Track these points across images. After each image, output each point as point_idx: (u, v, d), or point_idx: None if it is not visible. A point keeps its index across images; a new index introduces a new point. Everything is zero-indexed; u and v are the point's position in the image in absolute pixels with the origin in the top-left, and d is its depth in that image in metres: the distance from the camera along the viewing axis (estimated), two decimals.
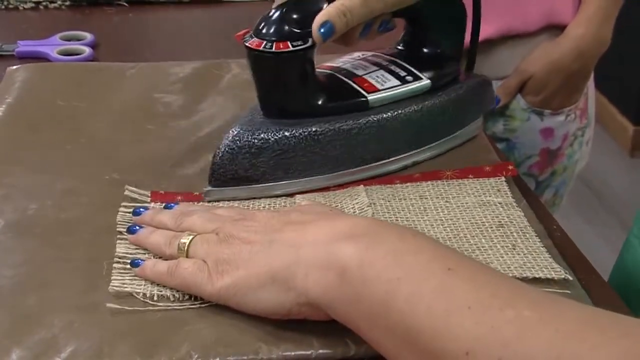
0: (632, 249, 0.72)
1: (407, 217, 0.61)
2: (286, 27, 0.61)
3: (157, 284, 0.53)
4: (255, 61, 0.63)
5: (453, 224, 0.60)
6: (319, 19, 0.60)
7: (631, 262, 0.72)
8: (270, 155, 0.62)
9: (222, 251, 0.51)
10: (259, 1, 1.14)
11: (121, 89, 0.81)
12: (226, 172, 0.62)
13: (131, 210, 0.61)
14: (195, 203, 0.63)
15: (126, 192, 0.63)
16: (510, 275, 0.53)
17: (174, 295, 0.52)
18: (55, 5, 1.10)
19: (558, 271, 0.54)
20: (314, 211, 0.54)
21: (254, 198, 0.63)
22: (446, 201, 0.63)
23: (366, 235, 0.47)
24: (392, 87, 0.67)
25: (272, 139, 0.62)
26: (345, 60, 0.71)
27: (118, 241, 0.58)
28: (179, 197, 0.63)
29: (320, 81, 0.66)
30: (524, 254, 0.56)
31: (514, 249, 0.57)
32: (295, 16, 0.61)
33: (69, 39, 0.98)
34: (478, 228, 0.59)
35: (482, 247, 0.57)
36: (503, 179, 0.65)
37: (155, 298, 0.52)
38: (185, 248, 0.53)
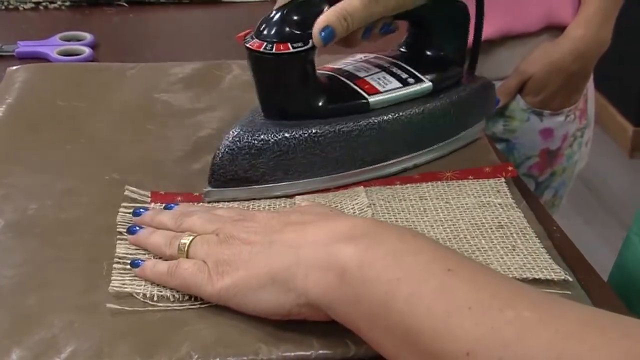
0: (632, 247, 0.72)
1: (406, 218, 0.61)
2: (287, 29, 0.61)
3: (157, 285, 0.53)
4: (256, 62, 0.63)
5: (453, 225, 0.60)
6: (319, 23, 0.60)
7: (631, 260, 0.72)
8: (270, 156, 0.62)
9: (222, 252, 0.51)
10: (258, 2, 1.14)
11: (121, 89, 0.82)
12: (226, 173, 0.62)
13: (131, 210, 0.61)
14: (195, 204, 0.63)
15: (126, 193, 0.63)
16: (510, 276, 0.53)
17: (173, 296, 0.52)
18: (55, 5, 1.10)
19: (558, 272, 0.54)
20: (313, 212, 0.54)
21: (254, 199, 0.63)
22: (446, 202, 0.63)
23: (366, 235, 0.47)
24: (393, 90, 0.67)
25: (272, 140, 0.62)
26: (347, 62, 0.71)
27: (118, 241, 0.58)
28: (179, 198, 0.63)
29: (321, 83, 0.66)
30: (524, 255, 0.56)
31: (514, 250, 0.57)
32: (296, 18, 0.61)
33: (68, 40, 0.98)
34: (478, 229, 0.59)
35: (482, 248, 0.57)
36: (503, 180, 0.65)
37: (155, 298, 0.52)
38: (186, 249, 0.53)
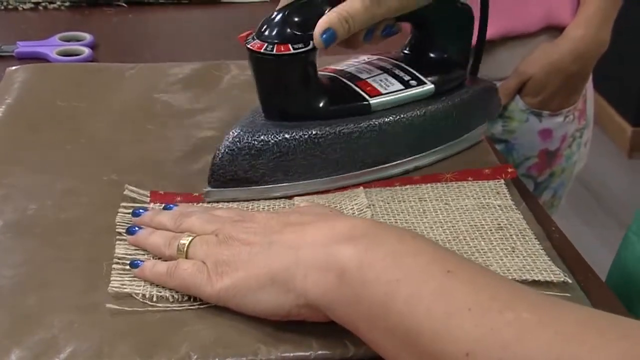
0: (631, 246, 0.72)
1: (406, 219, 0.61)
2: (288, 30, 0.61)
3: (157, 285, 0.53)
4: (257, 63, 0.63)
5: (452, 227, 0.60)
6: (320, 25, 0.60)
7: (630, 260, 0.72)
8: (270, 157, 0.62)
9: (221, 252, 0.51)
10: (258, 2, 1.14)
11: (121, 89, 0.82)
12: (226, 173, 0.62)
13: (130, 211, 0.61)
14: (195, 204, 0.63)
15: (125, 192, 0.63)
16: (510, 277, 0.53)
17: (173, 296, 0.52)
18: (55, 6, 1.10)
19: (557, 274, 0.54)
20: (313, 212, 0.54)
21: (254, 200, 0.63)
22: (445, 203, 0.63)
23: (365, 236, 0.47)
24: (394, 92, 0.66)
25: (272, 141, 0.62)
26: (350, 64, 0.71)
27: (117, 242, 0.58)
28: (179, 198, 0.63)
29: (322, 84, 0.66)
30: (523, 257, 0.56)
31: (513, 251, 0.57)
32: (297, 19, 0.61)
33: (68, 40, 0.98)
34: (477, 230, 0.59)
35: (482, 249, 0.57)
36: (502, 181, 0.65)
37: (154, 299, 0.52)
38: (185, 249, 0.53)
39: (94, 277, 0.54)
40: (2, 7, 1.09)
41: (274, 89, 0.64)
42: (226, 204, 0.63)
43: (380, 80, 0.67)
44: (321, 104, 0.64)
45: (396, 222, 0.60)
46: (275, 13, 0.62)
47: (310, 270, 0.47)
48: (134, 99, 0.80)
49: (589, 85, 1.22)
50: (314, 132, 0.63)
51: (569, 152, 1.21)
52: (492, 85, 0.74)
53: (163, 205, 0.61)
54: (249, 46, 0.62)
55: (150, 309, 0.51)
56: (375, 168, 0.66)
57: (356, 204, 0.62)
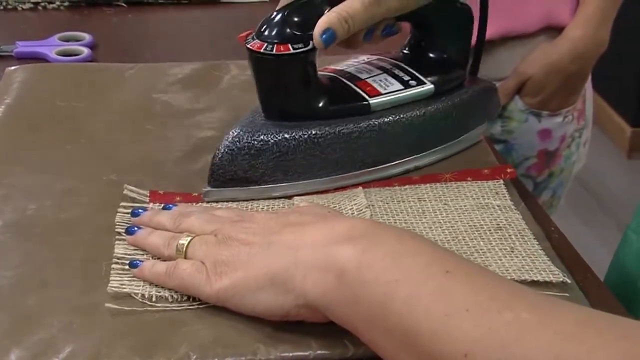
0: (630, 243, 0.72)
1: (405, 220, 0.61)
2: (288, 30, 0.61)
3: (156, 285, 0.53)
4: (257, 63, 0.63)
5: (451, 227, 0.60)
6: (320, 25, 0.59)
7: (628, 257, 0.72)
8: (270, 157, 0.62)
9: (220, 253, 0.51)
10: (257, 2, 1.14)
11: (120, 89, 0.82)
12: (225, 173, 0.62)
13: (130, 210, 0.61)
14: (194, 204, 0.63)
15: (125, 192, 0.63)
16: (509, 278, 0.53)
17: (172, 296, 0.52)
18: (54, 5, 1.10)
19: (556, 274, 0.54)
20: (312, 213, 0.54)
21: (253, 199, 0.63)
22: (445, 204, 0.63)
23: (364, 237, 0.47)
24: (394, 92, 0.66)
25: (272, 141, 0.62)
26: (349, 64, 0.71)
27: (116, 242, 0.58)
28: (178, 198, 0.63)
29: (322, 84, 0.66)
30: (522, 257, 0.56)
31: (512, 251, 0.57)
32: (297, 19, 0.61)
33: (67, 40, 0.98)
34: (476, 231, 0.59)
35: (481, 249, 0.57)
36: (502, 181, 0.65)
37: (153, 299, 0.52)
38: (184, 249, 0.53)
39: (93, 277, 0.54)
40: (2, 7, 1.09)
41: (274, 88, 0.64)
42: (225, 203, 0.63)
43: (380, 80, 0.67)
44: (321, 104, 0.64)
45: (395, 223, 0.60)
46: (275, 13, 0.62)
47: (309, 270, 0.47)
48: (133, 99, 0.80)
49: (588, 85, 1.22)
50: (313, 132, 0.63)
51: (568, 152, 1.21)
52: (492, 86, 0.74)
53: (162, 205, 0.61)
54: (248, 46, 0.62)
55: (149, 308, 0.51)
56: (374, 168, 0.66)
57: (355, 204, 0.62)
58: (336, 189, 0.65)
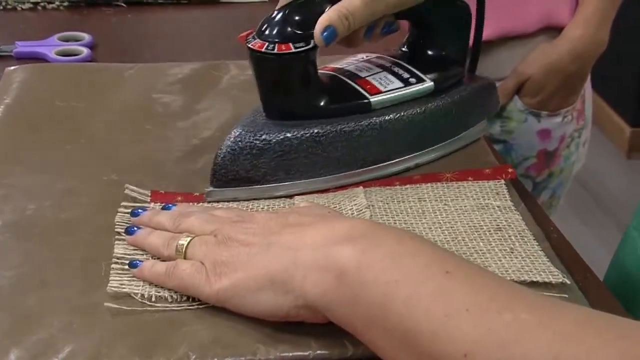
0: (631, 241, 0.72)
1: (405, 220, 0.61)
2: (288, 29, 0.61)
3: (155, 285, 0.53)
4: (258, 62, 0.63)
5: (451, 227, 0.60)
6: (321, 23, 0.60)
7: (629, 255, 0.72)
8: (272, 156, 0.62)
9: (220, 253, 0.51)
10: (257, 2, 1.14)
11: (120, 89, 0.82)
12: (227, 173, 0.62)
13: (130, 210, 0.61)
14: (195, 203, 0.63)
15: (126, 191, 0.63)
16: (508, 278, 0.53)
17: (171, 297, 0.52)
18: (53, 5, 1.10)
19: (556, 275, 0.54)
20: (312, 213, 0.54)
21: (255, 199, 0.63)
22: (445, 204, 0.63)
23: (364, 237, 0.47)
24: (394, 89, 0.67)
25: (274, 140, 0.62)
26: (348, 62, 0.71)
27: (116, 242, 0.58)
28: (179, 198, 0.63)
29: (323, 83, 0.66)
30: (522, 258, 0.56)
31: (512, 252, 0.57)
32: (297, 18, 0.61)
33: (67, 40, 0.98)
34: (476, 231, 0.59)
35: (480, 250, 0.57)
36: (502, 181, 0.65)
37: (153, 299, 0.52)
38: (183, 249, 0.53)
39: (93, 277, 0.54)
40: (1, 7, 1.09)
41: (275, 88, 0.64)
42: (227, 203, 0.63)
43: (380, 79, 0.67)
44: (322, 103, 0.65)
45: (395, 223, 0.60)
46: (276, 12, 0.62)
47: (309, 271, 0.47)
48: (133, 99, 0.80)
49: (588, 85, 1.22)
50: (315, 131, 0.63)
51: (567, 153, 1.21)
52: (491, 82, 0.75)
53: (163, 204, 0.61)
54: (249, 45, 0.62)
55: (148, 309, 0.51)
56: (376, 166, 0.66)
57: (355, 204, 0.62)
58: (337, 188, 0.65)
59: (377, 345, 0.45)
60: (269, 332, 0.49)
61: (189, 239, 0.54)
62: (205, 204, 0.63)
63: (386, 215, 0.61)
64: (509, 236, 0.58)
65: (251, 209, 0.62)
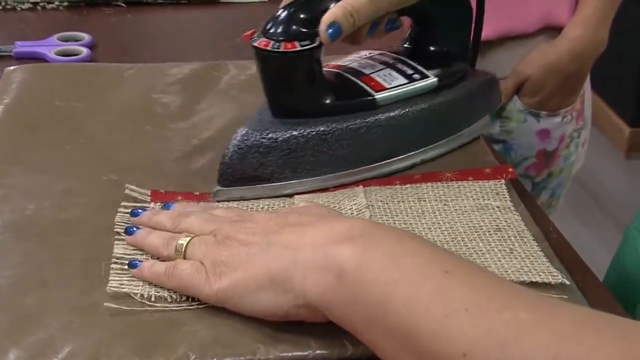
0: (632, 241, 0.72)
1: (404, 220, 0.61)
2: (294, 27, 0.61)
3: (155, 285, 0.53)
4: (263, 61, 0.63)
5: (450, 228, 0.60)
6: (326, 19, 0.60)
7: (629, 256, 0.72)
8: (279, 154, 0.62)
9: (219, 253, 0.51)
10: (256, 2, 1.14)
11: (119, 89, 0.82)
12: (235, 172, 0.62)
13: (130, 210, 0.61)
14: (195, 202, 0.63)
15: (126, 191, 0.63)
16: (508, 279, 0.53)
17: (171, 296, 0.52)
18: (53, 5, 1.10)
19: (555, 275, 0.54)
20: (312, 213, 0.54)
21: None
22: (444, 204, 0.63)
23: (363, 237, 0.47)
24: (399, 86, 0.67)
25: (281, 139, 0.62)
26: (351, 59, 0.71)
27: (116, 242, 0.58)
28: (180, 197, 0.63)
29: (328, 80, 0.66)
30: (522, 258, 0.56)
31: (512, 253, 0.57)
32: (302, 16, 0.61)
33: (66, 40, 0.98)
34: (476, 232, 0.59)
35: (480, 250, 0.57)
36: (502, 182, 0.65)
37: (152, 299, 0.52)
38: (183, 249, 0.53)
39: (92, 277, 0.54)
40: (0, 7, 1.09)
41: (281, 86, 0.64)
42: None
43: (384, 75, 0.68)
44: (327, 101, 0.65)
45: (395, 223, 0.61)
46: (281, 10, 0.62)
47: (309, 270, 0.47)
48: (132, 99, 0.80)
49: (587, 85, 1.22)
50: (321, 129, 0.63)
51: (566, 153, 1.21)
52: (493, 77, 0.75)
53: (163, 204, 0.61)
54: (254, 44, 0.62)
55: (148, 308, 0.51)
56: (382, 163, 0.66)
57: (355, 204, 0.62)
58: (337, 187, 0.65)
59: (377, 345, 0.45)
60: (269, 332, 0.49)
61: (188, 238, 0.54)
62: (203, 203, 0.62)
63: (386, 215, 0.61)
64: (509, 236, 0.58)
65: (251, 208, 0.62)
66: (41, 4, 1.10)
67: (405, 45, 0.74)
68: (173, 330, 0.50)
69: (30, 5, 1.10)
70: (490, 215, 0.61)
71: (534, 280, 0.54)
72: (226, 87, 0.83)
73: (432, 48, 0.72)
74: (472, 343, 0.40)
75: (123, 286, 0.53)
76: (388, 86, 0.66)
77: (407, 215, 0.61)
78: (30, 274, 0.55)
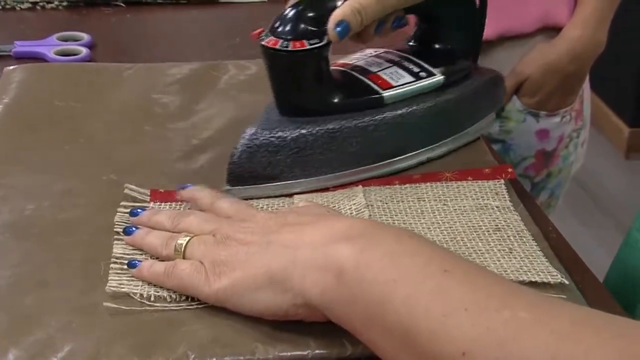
0: (633, 243, 0.72)
1: (404, 220, 0.61)
2: (302, 26, 0.61)
3: (154, 285, 0.53)
4: (272, 60, 0.63)
5: (450, 227, 0.60)
6: (334, 18, 0.60)
7: (631, 257, 0.72)
8: (288, 153, 0.63)
9: (219, 252, 0.51)
10: (256, 2, 1.14)
11: (119, 89, 0.82)
12: (244, 172, 0.62)
13: (129, 210, 0.61)
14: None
15: (126, 191, 0.63)
16: (507, 278, 0.53)
17: (170, 296, 0.52)
18: (53, 5, 1.10)
19: (554, 275, 0.54)
20: (311, 212, 0.54)
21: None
22: (444, 204, 0.63)
23: (363, 236, 0.47)
24: (406, 84, 0.67)
25: (290, 137, 0.62)
26: (358, 57, 0.71)
27: (115, 242, 0.58)
28: (179, 196, 0.63)
29: (336, 79, 0.67)
30: (521, 258, 0.56)
31: (511, 252, 0.57)
32: (310, 14, 0.61)
33: (66, 40, 0.98)
34: (475, 231, 0.59)
35: (479, 250, 0.57)
36: (502, 182, 0.65)
37: (152, 299, 0.52)
38: (182, 249, 0.53)
39: (92, 277, 0.54)
40: (0, 7, 1.09)
41: (290, 85, 0.65)
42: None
43: (391, 73, 0.68)
44: (336, 99, 0.65)
45: (394, 223, 0.61)
46: (289, 9, 0.62)
47: (308, 270, 0.47)
48: (132, 99, 0.80)
49: (586, 85, 1.22)
50: (330, 127, 0.63)
51: (565, 153, 1.21)
52: (498, 74, 0.75)
53: (162, 204, 0.61)
54: (263, 43, 0.62)
55: (147, 308, 0.51)
56: (389, 160, 0.67)
57: (354, 203, 0.62)
58: (337, 187, 0.65)
59: (376, 344, 0.45)
60: (268, 331, 0.49)
61: (187, 238, 0.54)
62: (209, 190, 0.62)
63: (385, 214, 0.61)
64: (508, 236, 0.58)
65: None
66: (40, 3, 1.10)
67: (411, 43, 0.74)
68: (172, 330, 0.50)
69: (30, 5, 1.10)
70: (490, 215, 0.61)
71: (533, 279, 0.54)
72: (225, 87, 0.83)
73: (437, 46, 0.73)
74: (472, 342, 0.40)
75: (122, 286, 0.53)
76: (395, 84, 0.67)
77: (406, 215, 0.61)
78: (29, 274, 0.55)
